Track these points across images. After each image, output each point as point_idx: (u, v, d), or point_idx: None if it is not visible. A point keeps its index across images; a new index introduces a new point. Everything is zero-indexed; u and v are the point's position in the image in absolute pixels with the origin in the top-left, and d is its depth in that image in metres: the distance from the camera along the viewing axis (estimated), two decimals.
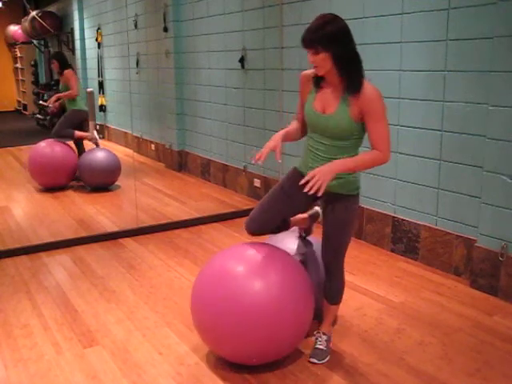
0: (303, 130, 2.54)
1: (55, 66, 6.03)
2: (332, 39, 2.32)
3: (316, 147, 2.40)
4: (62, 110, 6.04)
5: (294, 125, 2.55)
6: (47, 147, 5.87)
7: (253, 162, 2.34)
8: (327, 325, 2.64)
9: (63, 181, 5.91)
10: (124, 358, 2.63)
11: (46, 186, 5.91)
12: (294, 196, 2.48)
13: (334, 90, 2.33)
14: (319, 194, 2.18)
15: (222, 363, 2.57)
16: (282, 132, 2.43)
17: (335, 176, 2.22)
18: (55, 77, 10.44)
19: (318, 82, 2.41)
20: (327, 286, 2.57)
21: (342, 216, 2.42)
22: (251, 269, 2.33)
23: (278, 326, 2.29)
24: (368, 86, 2.27)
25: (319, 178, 2.14)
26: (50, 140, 5.96)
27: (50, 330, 2.94)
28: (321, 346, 2.58)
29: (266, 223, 2.55)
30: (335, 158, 2.29)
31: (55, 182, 5.88)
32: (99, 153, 5.83)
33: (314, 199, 2.47)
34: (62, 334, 2.88)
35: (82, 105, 5.99)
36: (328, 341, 2.61)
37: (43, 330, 2.93)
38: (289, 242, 2.83)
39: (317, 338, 2.61)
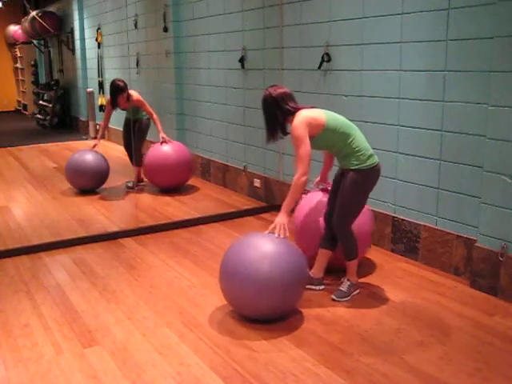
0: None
1: (124, 96, 5.73)
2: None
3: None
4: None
5: (325, 164, 3.60)
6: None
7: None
8: (351, 274, 3.27)
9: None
10: (124, 358, 2.64)
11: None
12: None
13: None
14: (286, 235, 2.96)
15: (222, 363, 2.57)
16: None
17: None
18: (55, 76, 10.46)
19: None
20: (341, 246, 3.24)
21: (344, 186, 3.13)
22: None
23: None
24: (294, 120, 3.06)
25: (278, 223, 2.97)
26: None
27: (50, 330, 2.94)
28: (343, 288, 3.23)
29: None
30: (339, 155, 3.17)
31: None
32: (88, 156, 5.72)
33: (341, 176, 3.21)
34: (62, 334, 2.89)
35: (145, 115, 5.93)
36: (351, 286, 3.24)
37: (43, 330, 2.93)
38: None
39: (342, 282, 3.26)
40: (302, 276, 2.96)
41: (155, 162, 5.70)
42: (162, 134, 5.76)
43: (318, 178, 3.61)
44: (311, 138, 3.01)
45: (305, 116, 3.04)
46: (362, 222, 3.41)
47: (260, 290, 2.79)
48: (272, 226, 2.99)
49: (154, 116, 5.78)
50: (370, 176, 3.15)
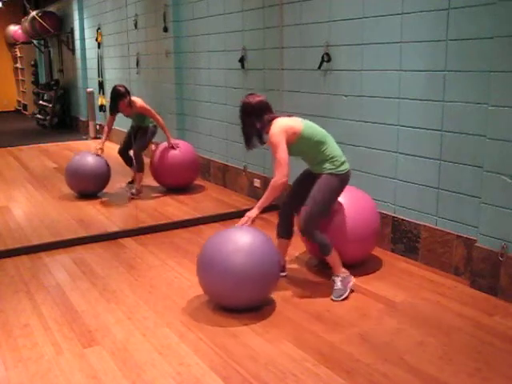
0: None
1: (125, 102, 5.55)
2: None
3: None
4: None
5: None
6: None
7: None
8: (336, 269, 3.30)
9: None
10: (124, 358, 2.64)
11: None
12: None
13: None
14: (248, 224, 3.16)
15: (222, 362, 2.57)
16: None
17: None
18: (55, 76, 10.46)
19: None
20: (315, 245, 3.33)
21: (320, 186, 3.26)
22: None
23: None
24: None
25: (247, 216, 3.18)
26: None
27: (50, 330, 2.94)
28: (336, 287, 3.25)
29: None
30: (313, 162, 3.35)
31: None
32: (89, 158, 5.59)
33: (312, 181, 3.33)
34: (62, 334, 2.89)
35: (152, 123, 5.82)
36: (343, 280, 3.27)
37: (43, 330, 2.93)
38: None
39: (333, 281, 3.28)
40: (275, 266, 3.10)
41: (162, 161, 5.70)
42: (170, 141, 5.70)
43: None
44: (288, 144, 3.18)
45: (281, 124, 3.21)
46: (368, 220, 3.59)
47: (236, 280, 2.94)
48: (242, 219, 3.19)
49: (161, 122, 5.68)
50: (342, 181, 3.31)
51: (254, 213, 3.18)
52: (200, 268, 3.10)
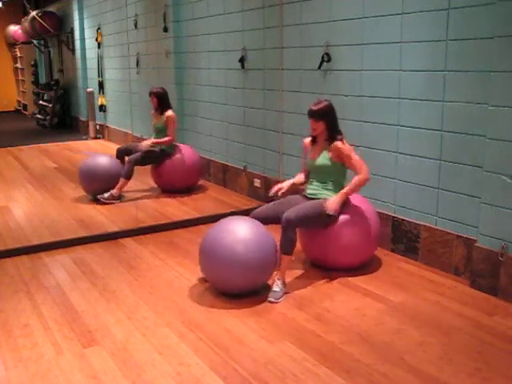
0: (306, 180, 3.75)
1: (154, 102, 5.73)
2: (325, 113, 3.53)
3: (311, 180, 3.67)
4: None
5: (298, 176, 3.80)
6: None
7: (271, 193, 3.63)
8: (283, 272, 3.34)
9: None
10: (124, 358, 2.64)
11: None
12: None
13: (321, 143, 3.61)
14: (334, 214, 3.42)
15: (222, 362, 2.57)
16: (292, 181, 3.72)
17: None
18: (55, 76, 10.47)
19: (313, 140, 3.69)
20: (281, 238, 3.32)
21: (316, 203, 3.47)
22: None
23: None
24: (343, 142, 3.52)
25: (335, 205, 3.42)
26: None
27: (50, 330, 2.94)
28: (276, 289, 3.27)
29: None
30: (322, 186, 3.57)
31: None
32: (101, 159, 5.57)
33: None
34: (62, 334, 2.89)
35: (170, 148, 5.74)
36: (284, 285, 3.31)
37: (43, 330, 2.93)
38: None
39: (275, 283, 3.29)
40: (272, 255, 3.25)
41: (164, 164, 5.68)
42: (148, 142, 5.62)
43: (286, 188, 3.67)
44: (341, 161, 3.52)
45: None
46: (368, 224, 3.59)
47: (236, 267, 3.13)
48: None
49: (169, 141, 5.64)
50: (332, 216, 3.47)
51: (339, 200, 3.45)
52: (202, 254, 3.30)
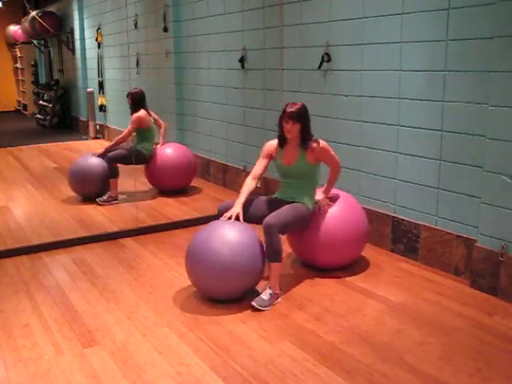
0: (257, 183, 3.55)
1: (128, 102, 5.65)
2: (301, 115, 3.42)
3: (286, 184, 3.57)
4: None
5: (250, 186, 3.47)
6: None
7: (224, 219, 3.28)
8: (273, 282, 3.21)
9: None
10: (124, 358, 2.64)
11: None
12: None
13: (294, 147, 3.48)
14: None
15: (222, 362, 2.57)
16: (242, 200, 3.35)
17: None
18: (55, 76, 10.46)
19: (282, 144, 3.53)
20: (267, 247, 3.20)
21: (294, 207, 3.38)
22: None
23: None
24: (318, 142, 3.43)
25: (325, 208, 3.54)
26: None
27: (50, 330, 2.94)
28: (264, 296, 3.14)
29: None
30: (299, 188, 3.48)
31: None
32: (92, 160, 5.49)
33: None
34: (62, 334, 2.89)
35: (144, 145, 5.62)
36: (272, 295, 3.17)
37: (43, 330, 2.93)
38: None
39: (264, 291, 3.17)
40: (259, 259, 3.17)
41: (157, 164, 5.66)
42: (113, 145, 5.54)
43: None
44: (316, 161, 3.47)
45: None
46: (355, 222, 3.60)
47: (222, 272, 3.07)
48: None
49: (121, 139, 5.55)
50: (310, 216, 3.47)
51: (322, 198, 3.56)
52: (189, 260, 3.25)
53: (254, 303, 3.09)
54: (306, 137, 3.40)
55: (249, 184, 3.46)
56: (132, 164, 5.55)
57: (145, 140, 5.62)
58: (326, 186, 3.60)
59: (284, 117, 3.39)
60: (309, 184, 3.51)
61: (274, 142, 3.56)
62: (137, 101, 5.63)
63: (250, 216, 3.39)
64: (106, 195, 5.43)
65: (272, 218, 3.19)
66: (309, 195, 3.49)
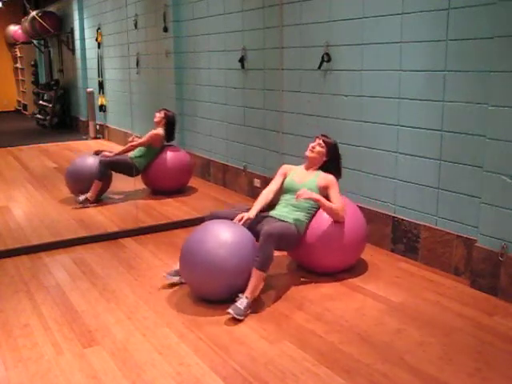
0: (273, 197, 3.60)
1: (159, 119, 5.75)
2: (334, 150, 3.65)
3: (285, 202, 3.59)
4: None
5: (268, 197, 3.56)
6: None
7: (235, 221, 3.31)
8: (251, 291, 3.09)
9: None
10: (124, 358, 2.64)
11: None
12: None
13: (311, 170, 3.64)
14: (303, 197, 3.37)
15: (222, 362, 2.57)
16: (258, 207, 3.47)
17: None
18: (55, 76, 10.46)
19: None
20: (258, 253, 3.14)
21: (283, 225, 3.36)
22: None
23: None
24: (332, 176, 3.54)
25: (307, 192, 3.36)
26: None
27: (50, 330, 2.94)
28: (240, 305, 3.01)
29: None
30: (294, 210, 3.49)
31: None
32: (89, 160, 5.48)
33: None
34: (62, 334, 2.89)
35: (140, 160, 5.61)
36: (249, 304, 3.05)
37: (43, 330, 2.93)
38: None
39: (240, 299, 3.04)
40: (251, 259, 3.14)
41: (151, 168, 5.65)
42: (107, 153, 5.50)
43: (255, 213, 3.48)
44: (324, 191, 3.49)
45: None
46: (355, 227, 3.53)
47: (216, 273, 3.07)
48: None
49: (129, 148, 5.59)
50: (297, 237, 3.44)
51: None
52: (183, 261, 3.23)
53: (230, 310, 2.97)
54: (331, 167, 3.59)
55: (265, 194, 3.57)
56: (122, 173, 5.57)
57: (143, 156, 5.61)
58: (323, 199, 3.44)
59: (316, 137, 3.62)
60: (305, 209, 3.48)
61: (291, 165, 3.77)
62: (171, 124, 5.74)
63: (250, 227, 3.39)
64: (83, 196, 5.28)
65: (271, 228, 3.20)
66: (300, 220, 3.45)
